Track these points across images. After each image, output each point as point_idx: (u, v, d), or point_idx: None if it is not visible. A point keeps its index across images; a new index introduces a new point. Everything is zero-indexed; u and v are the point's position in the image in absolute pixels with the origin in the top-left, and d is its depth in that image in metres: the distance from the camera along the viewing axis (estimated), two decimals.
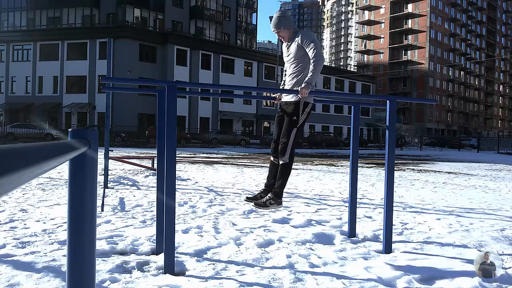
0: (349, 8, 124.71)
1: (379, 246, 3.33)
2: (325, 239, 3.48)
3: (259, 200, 3.34)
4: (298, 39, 3.37)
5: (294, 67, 3.43)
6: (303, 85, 3.22)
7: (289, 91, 3.37)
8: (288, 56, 3.49)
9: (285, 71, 3.60)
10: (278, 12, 3.44)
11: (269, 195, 3.30)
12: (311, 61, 3.29)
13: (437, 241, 3.52)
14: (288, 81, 3.49)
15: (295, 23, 3.61)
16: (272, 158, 3.47)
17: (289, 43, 3.49)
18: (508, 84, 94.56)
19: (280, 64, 38.14)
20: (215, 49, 41.33)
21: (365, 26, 79.59)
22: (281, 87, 3.61)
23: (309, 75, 3.27)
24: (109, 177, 6.88)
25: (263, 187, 3.50)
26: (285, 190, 6.50)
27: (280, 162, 3.32)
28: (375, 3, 76.71)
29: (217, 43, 43.31)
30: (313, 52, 3.30)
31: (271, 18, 35.38)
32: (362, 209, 4.88)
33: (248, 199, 3.45)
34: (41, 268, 2.55)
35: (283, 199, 3.48)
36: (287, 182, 3.36)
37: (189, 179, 7.80)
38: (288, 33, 3.42)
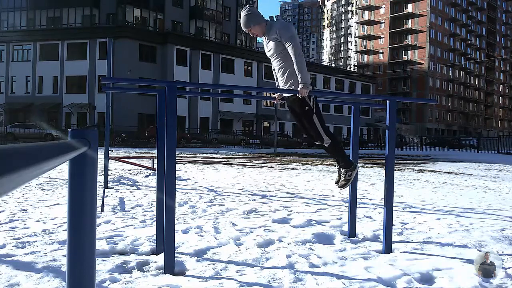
0: (349, 8, 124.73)
1: (379, 246, 3.33)
2: (325, 239, 3.48)
3: (339, 183, 3.53)
4: (276, 35, 3.26)
5: (279, 63, 3.38)
6: (301, 86, 3.20)
7: (290, 91, 3.36)
8: (269, 51, 3.43)
9: (273, 68, 3.56)
10: (245, 10, 3.29)
11: (342, 171, 3.49)
12: (294, 62, 3.22)
13: (437, 241, 3.52)
14: (280, 77, 3.46)
15: (291, 22, 3.54)
16: (317, 143, 3.56)
17: (267, 38, 3.38)
18: (508, 84, 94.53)
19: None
20: (215, 49, 41.31)
21: (365, 26, 79.58)
22: (276, 85, 3.58)
23: (298, 76, 3.22)
24: (109, 177, 6.88)
25: (336, 166, 3.63)
26: (285, 190, 6.51)
27: (325, 145, 3.45)
28: (375, 3, 76.70)
29: (217, 43, 43.29)
30: (292, 51, 3.21)
31: (271, 18, 35.31)
32: (362, 209, 4.87)
33: (336, 183, 3.63)
34: (41, 268, 2.55)
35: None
36: (343, 151, 3.51)
37: (189, 179, 7.80)
38: (260, 29, 3.31)
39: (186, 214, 4.37)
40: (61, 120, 37.01)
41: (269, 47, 3.40)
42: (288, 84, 3.38)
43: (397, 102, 3.30)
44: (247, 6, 3.44)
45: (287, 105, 3.57)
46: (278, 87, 3.51)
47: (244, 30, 3.35)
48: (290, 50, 3.24)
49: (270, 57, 3.48)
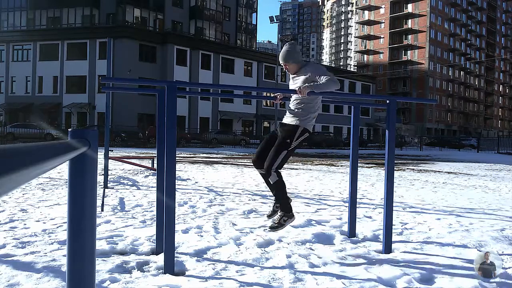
0: (349, 8, 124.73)
1: (379, 246, 3.32)
2: (325, 239, 3.48)
3: (272, 224, 3.31)
4: (308, 73, 3.27)
5: (299, 98, 3.31)
6: (306, 85, 3.16)
7: (289, 91, 3.34)
8: (295, 85, 3.42)
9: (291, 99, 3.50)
10: (288, 46, 3.37)
11: (279, 213, 3.28)
12: (324, 79, 3.16)
13: (437, 241, 3.52)
14: (291, 105, 3.38)
15: (299, 54, 3.40)
16: (257, 171, 3.39)
17: (296, 76, 3.39)
18: (508, 84, 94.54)
19: (280, 64, 38.14)
20: (215, 49, 41.32)
21: (365, 26, 79.57)
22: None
23: (317, 82, 3.17)
24: (109, 177, 6.88)
25: (274, 200, 3.47)
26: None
27: (270, 181, 3.26)
28: (375, 3, 76.70)
29: (217, 43, 43.29)
30: (326, 77, 3.18)
31: (271, 18, 35.20)
32: (362, 209, 4.87)
33: (268, 217, 3.46)
34: (41, 268, 2.55)
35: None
36: (286, 194, 3.30)
37: (189, 179, 7.80)
38: (295, 67, 3.35)
39: (186, 214, 4.37)
40: (61, 120, 37.01)
41: (296, 82, 3.35)
42: (291, 116, 3.32)
43: (397, 102, 3.30)
44: (292, 41, 3.46)
45: (278, 128, 3.48)
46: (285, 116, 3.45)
47: (280, 62, 3.39)
48: (324, 78, 3.17)
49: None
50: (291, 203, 3.38)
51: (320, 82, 3.17)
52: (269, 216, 3.45)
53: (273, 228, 3.28)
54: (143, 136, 30.16)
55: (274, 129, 3.52)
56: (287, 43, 3.45)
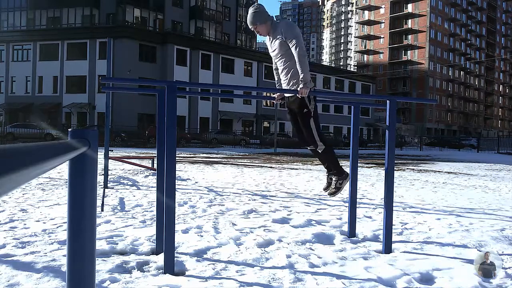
0: (349, 8, 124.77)
1: (379, 246, 3.32)
2: (325, 239, 3.48)
3: (329, 190, 3.56)
4: (280, 34, 3.28)
5: (283, 63, 3.39)
6: (301, 85, 3.21)
7: (289, 91, 3.37)
8: (273, 51, 3.42)
9: (275, 67, 3.58)
10: (253, 8, 3.33)
11: (333, 178, 3.53)
12: (296, 61, 3.24)
13: (437, 241, 3.52)
14: (283, 78, 3.46)
15: (290, 18, 3.53)
16: (308, 148, 3.60)
17: (271, 38, 3.40)
18: (508, 84, 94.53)
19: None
20: (215, 49, 41.32)
21: (365, 26, 79.59)
22: (277, 85, 3.60)
23: (300, 76, 3.23)
24: (109, 177, 6.88)
25: (326, 172, 3.70)
26: (285, 190, 6.51)
27: (318, 151, 3.46)
28: (375, 3, 76.70)
29: (217, 43, 43.30)
30: (295, 50, 3.22)
31: None
32: (362, 209, 4.87)
33: (325, 189, 3.67)
34: (41, 268, 2.55)
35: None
36: (336, 158, 3.56)
37: (189, 179, 7.80)
38: (265, 28, 3.33)
39: (186, 214, 4.37)
40: (61, 120, 37.01)
41: (273, 47, 3.40)
42: (291, 84, 3.40)
43: (397, 102, 3.30)
44: (256, 4, 3.45)
45: (286, 106, 3.58)
46: (278, 87, 3.52)
47: (250, 27, 3.40)
48: (293, 49, 3.25)
49: (273, 57, 3.48)
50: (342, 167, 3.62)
51: (300, 73, 3.24)
52: (325, 189, 3.65)
53: (332, 193, 3.54)
54: (144, 136, 30.09)
55: (286, 105, 3.62)
56: (252, 6, 3.42)
